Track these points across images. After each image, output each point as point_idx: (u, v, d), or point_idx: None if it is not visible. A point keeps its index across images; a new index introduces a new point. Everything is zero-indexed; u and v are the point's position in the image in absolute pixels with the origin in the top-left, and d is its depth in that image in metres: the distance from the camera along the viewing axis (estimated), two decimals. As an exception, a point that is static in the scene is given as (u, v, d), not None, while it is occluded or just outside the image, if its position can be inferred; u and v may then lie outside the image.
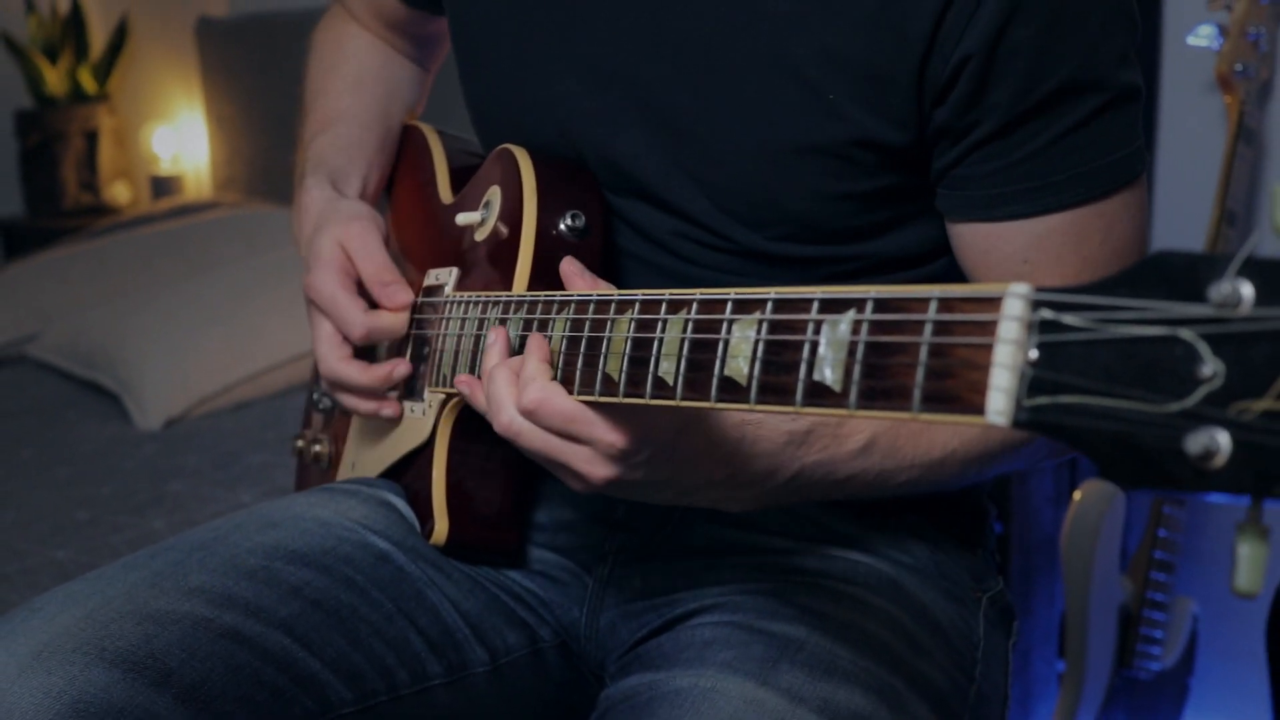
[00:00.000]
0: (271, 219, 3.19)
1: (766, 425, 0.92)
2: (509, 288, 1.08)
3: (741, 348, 0.72)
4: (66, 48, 4.18)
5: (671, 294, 0.80)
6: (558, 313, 0.91)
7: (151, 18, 4.17)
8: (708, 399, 0.74)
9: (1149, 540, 2.06)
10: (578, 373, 0.86)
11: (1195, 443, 0.51)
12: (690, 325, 0.77)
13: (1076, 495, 2.04)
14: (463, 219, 1.16)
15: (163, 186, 4.04)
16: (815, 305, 0.68)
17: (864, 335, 0.64)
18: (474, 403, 0.98)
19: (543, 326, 0.92)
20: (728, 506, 0.96)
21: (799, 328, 0.69)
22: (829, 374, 0.66)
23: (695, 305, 0.78)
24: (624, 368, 0.82)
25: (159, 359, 2.53)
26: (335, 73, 1.39)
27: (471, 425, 1.10)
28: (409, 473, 1.19)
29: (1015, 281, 0.59)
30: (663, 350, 0.79)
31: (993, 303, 0.58)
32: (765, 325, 0.71)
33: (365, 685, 1.06)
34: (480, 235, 1.14)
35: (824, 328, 0.67)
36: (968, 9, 0.93)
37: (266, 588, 1.05)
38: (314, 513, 1.14)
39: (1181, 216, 2.16)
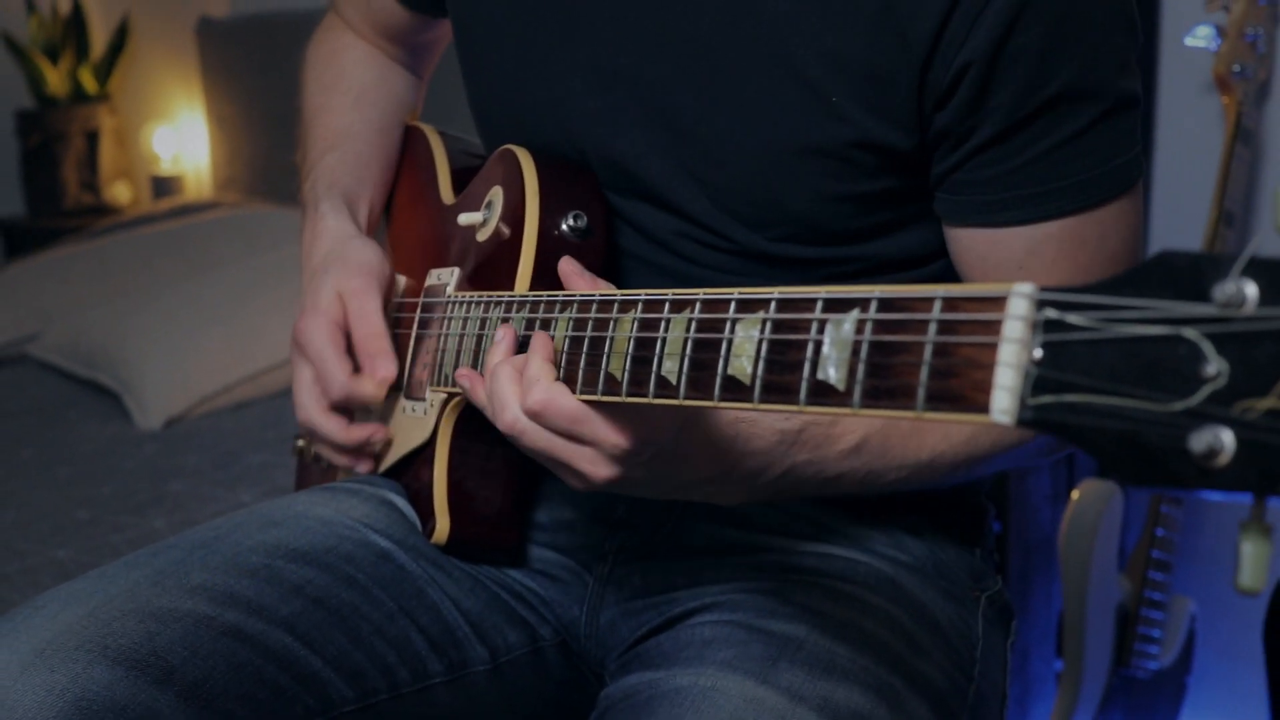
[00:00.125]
0: (272, 219, 3.19)
1: (760, 424, 0.93)
2: (511, 288, 1.08)
3: (745, 347, 0.72)
4: (67, 48, 4.18)
5: (675, 294, 0.80)
6: (560, 312, 0.91)
7: (152, 18, 4.17)
8: (711, 398, 0.74)
9: (1147, 539, 2.06)
10: (580, 372, 0.86)
11: (1199, 441, 0.51)
12: (694, 325, 0.77)
13: (1074, 495, 2.04)
14: (464, 219, 1.16)
15: (163, 186, 4.04)
16: (819, 305, 0.68)
17: (868, 334, 0.65)
18: (474, 398, 0.98)
19: (545, 326, 0.92)
20: (718, 500, 0.97)
21: (803, 327, 0.69)
22: (833, 373, 0.66)
23: (699, 305, 0.78)
24: (627, 367, 0.82)
25: (159, 359, 2.54)
26: (336, 88, 1.39)
27: (472, 424, 1.10)
28: (410, 472, 1.19)
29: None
30: (666, 350, 0.79)
31: (997, 302, 0.58)
32: (769, 325, 0.71)
33: (366, 683, 1.06)
34: (482, 236, 1.15)
35: (828, 327, 0.67)
36: (971, 14, 0.93)
37: (268, 586, 1.05)
38: (315, 511, 1.14)
39: (1179, 217, 2.17)
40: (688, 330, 0.77)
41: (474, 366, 1.05)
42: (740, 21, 1.02)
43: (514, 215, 1.10)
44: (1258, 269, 0.51)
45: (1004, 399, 0.57)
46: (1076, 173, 0.98)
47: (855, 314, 0.66)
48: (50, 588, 1.04)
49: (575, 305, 0.90)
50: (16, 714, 0.91)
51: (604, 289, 0.94)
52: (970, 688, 1.10)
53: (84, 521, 2.01)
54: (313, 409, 1.17)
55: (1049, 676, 2.14)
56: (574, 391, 0.86)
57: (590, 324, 0.87)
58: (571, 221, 1.09)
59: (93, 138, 4.14)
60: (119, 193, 4.23)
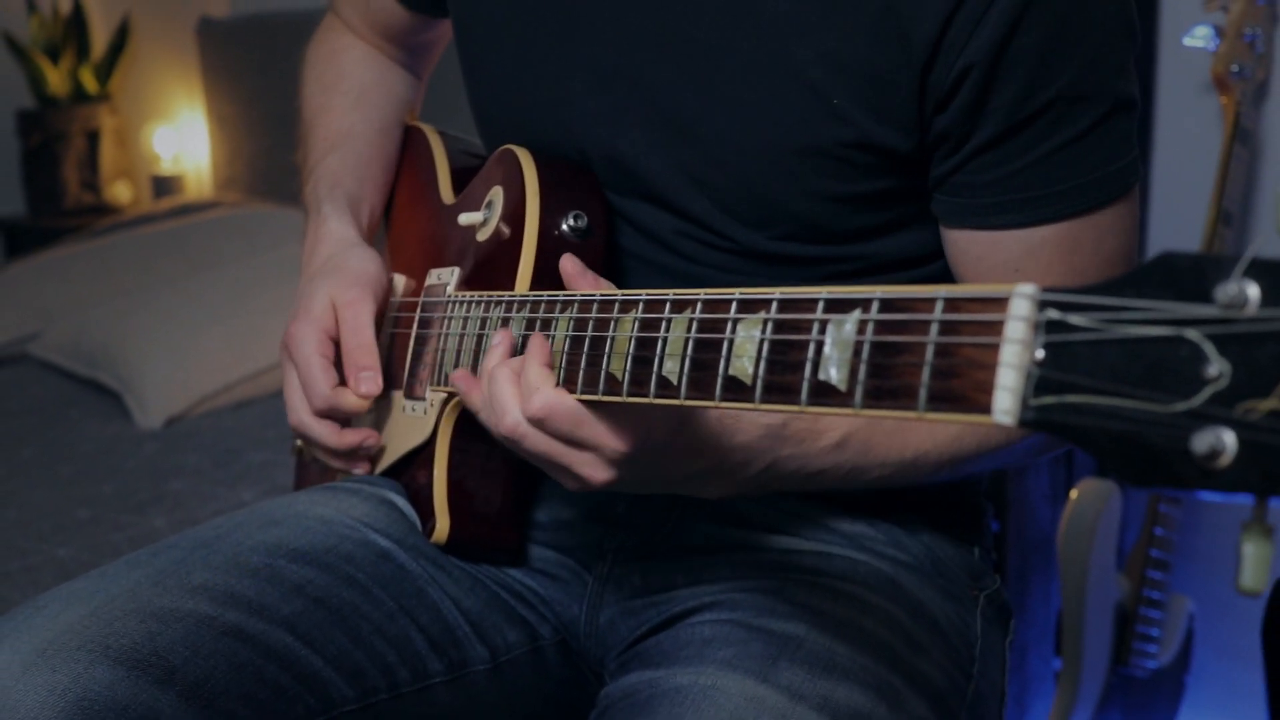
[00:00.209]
0: (272, 218, 3.19)
1: (744, 419, 0.94)
2: (511, 288, 1.08)
3: (746, 347, 0.72)
4: (68, 48, 4.18)
5: (676, 294, 0.80)
6: (561, 312, 0.91)
7: (153, 18, 4.17)
8: (712, 398, 0.74)
9: (1145, 539, 2.06)
10: (581, 372, 0.86)
11: (1201, 442, 0.51)
12: (695, 325, 0.77)
13: (1073, 494, 2.04)
14: (465, 219, 1.16)
15: (164, 186, 4.04)
16: (820, 305, 0.68)
17: (869, 335, 0.65)
18: (468, 401, 0.98)
19: (545, 326, 0.92)
20: (703, 493, 0.97)
21: (804, 327, 0.69)
22: (834, 373, 0.66)
23: (700, 305, 0.78)
24: (628, 367, 0.82)
25: (160, 358, 2.54)
26: (336, 89, 1.39)
27: (472, 424, 1.10)
28: (410, 471, 1.19)
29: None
30: (667, 350, 0.79)
31: (999, 303, 0.58)
32: (770, 325, 0.72)
33: (366, 683, 1.07)
34: (482, 235, 1.15)
35: (829, 327, 0.67)
36: (973, 17, 0.93)
37: (269, 586, 1.05)
38: (316, 511, 1.14)
39: (1178, 217, 2.17)
40: (689, 330, 0.77)
41: (474, 366, 1.05)
42: (741, 22, 1.02)
43: (514, 215, 1.10)
44: (1259, 270, 0.51)
45: (1006, 399, 0.57)
46: (1074, 176, 0.99)
47: (857, 314, 0.66)
48: (51, 586, 1.04)
49: (576, 305, 0.90)
50: (18, 714, 0.92)
51: (605, 288, 0.94)
52: (969, 686, 1.10)
53: (85, 520, 2.02)
54: (303, 413, 1.17)
55: (1047, 675, 2.14)
56: (574, 392, 0.86)
57: (591, 324, 0.87)
58: (572, 221, 1.09)
59: (93, 137, 4.14)
60: (119, 192, 4.23)
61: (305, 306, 1.18)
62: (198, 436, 2.37)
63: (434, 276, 1.22)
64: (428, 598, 1.12)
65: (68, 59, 4.19)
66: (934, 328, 0.61)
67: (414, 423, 1.17)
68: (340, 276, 1.19)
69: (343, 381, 1.16)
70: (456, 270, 1.18)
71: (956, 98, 0.96)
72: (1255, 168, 2.07)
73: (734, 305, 0.75)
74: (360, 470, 1.21)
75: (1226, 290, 0.52)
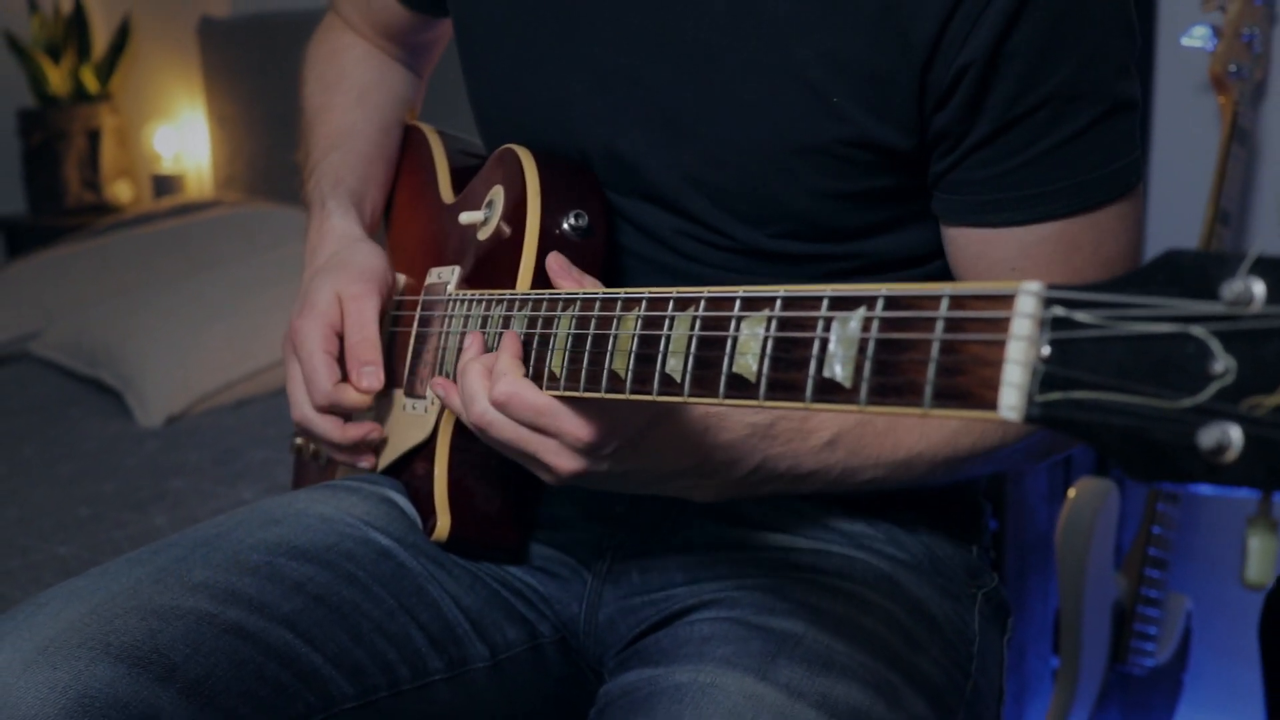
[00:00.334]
0: (272, 217, 3.19)
1: (729, 418, 0.94)
2: (512, 287, 1.08)
3: (750, 345, 0.72)
4: (69, 47, 4.18)
5: (679, 292, 0.80)
6: (563, 310, 0.91)
7: (154, 18, 4.17)
8: (716, 395, 0.74)
9: (1143, 537, 2.06)
10: (584, 370, 0.86)
11: (1208, 437, 0.51)
12: (698, 323, 0.77)
13: (1071, 493, 2.04)
14: (465, 218, 1.17)
15: (164, 185, 4.04)
16: (825, 303, 0.68)
17: (875, 332, 0.65)
18: (448, 403, 0.99)
19: (547, 324, 0.92)
20: (694, 495, 0.98)
21: (809, 325, 0.69)
22: (839, 371, 0.66)
23: (703, 303, 0.78)
24: (630, 365, 0.82)
25: (160, 356, 2.54)
26: (337, 88, 1.39)
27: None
28: (410, 469, 1.19)
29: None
30: (670, 347, 0.79)
31: (1005, 300, 0.58)
32: (774, 322, 0.72)
33: (367, 680, 1.07)
34: (483, 235, 1.15)
35: (834, 325, 0.67)
36: (972, 15, 0.93)
37: (269, 583, 1.05)
38: (316, 509, 1.15)
39: (1176, 216, 2.17)
40: (692, 328, 0.78)
41: None
42: (741, 21, 1.02)
43: (515, 214, 1.10)
44: (1265, 267, 0.52)
45: (1012, 396, 0.57)
46: (1072, 175, 0.98)
47: (862, 311, 0.66)
48: (52, 584, 1.04)
49: (578, 303, 0.90)
50: (19, 711, 0.92)
51: (589, 285, 0.94)
52: (967, 684, 1.10)
53: (86, 518, 2.02)
54: (306, 407, 1.17)
55: (1045, 673, 2.14)
56: (578, 389, 0.87)
57: (594, 322, 0.87)
58: (572, 220, 1.09)
59: (94, 137, 4.14)
60: (120, 191, 4.23)
61: (310, 301, 1.18)
62: (198, 435, 2.38)
63: (434, 275, 1.22)
64: (428, 595, 1.12)
65: (69, 58, 4.19)
66: (939, 325, 0.61)
67: (415, 421, 1.17)
68: (345, 271, 1.19)
69: (346, 377, 1.16)
70: (457, 269, 1.18)
71: (955, 96, 0.96)
72: (1253, 167, 2.08)
73: (738, 303, 0.75)
74: (365, 464, 1.21)
75: (1232, 287, 0.52)
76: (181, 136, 4.06)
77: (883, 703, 0.99)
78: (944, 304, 0.61)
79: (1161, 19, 2.15)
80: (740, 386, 0.73)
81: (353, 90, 1.38)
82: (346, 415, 1.18)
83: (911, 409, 0.61)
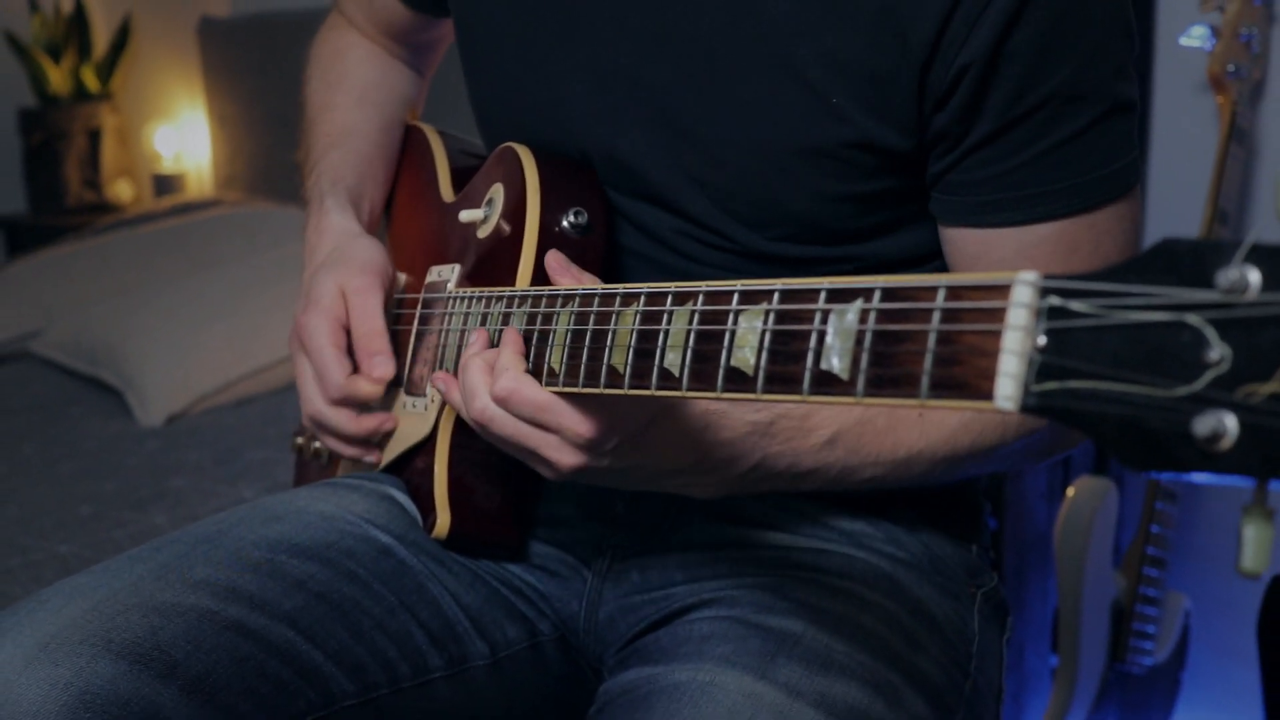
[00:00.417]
0: (273, 217, 3.19)
1: (729, 416, 0.94)
2: (512, 284, 1.08)
3: (748, 338, 0.73)
4: (70, 47, 4.19)
5: (677, 287, 0.81)
6: (562, 307, 0.91)
7: (154, 17, 4.18)
8: (714, 389, 0.75)
9: (1141, 536, 2.06)
10: (582, 366, 0.86)
11: (1203, 425, 0.51)
12: (696, 317, 0.77)
13: (1069, 492, 2.05)
14: (465, 216, 1.17)
15: (165, 185, 4.05)
16: (823, 295, 0.68)
17: (871, 324, 0.65)
18: (449, 398, 1.00)
19: (547, 321, 0.92)
20: (693, 492, 0.98)
21: (806, 318, 0.69)
22: (836, 363, 0.66)
23: (701, 297, 0.78)
24: (630, 360, 0.82)
25: (161, 355, 2.54)
26: (339, 87, 1.39)
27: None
28: (411, 467, 1.19)
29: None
30: (669, 342, 0.79)
31: (1001, 290, 0.59)
32: (772, 315, 0.72)
33: (367, 678, 1.07)
34: (483, 232, 1.15)
35: (831, 317, 0.67)
36: (971, 16, 0.93)
37: (270, 581, 1.05)
38: (317, 507, 1.15)
39: (1174, 215, 2.18)
40: (690, 322, 0.78)
41: None
42: (740, 22, 1.02)
43: (515, 212, 1.10)
44: (1260, 255, 0.52)
45: (1008, 385, 0.57)
46: (1070, 176, 0.98)
47: (859, 304, 0.66)
48: (53, 583, 1.04)
49: (577, 300, 0.90)
50: (21, 708, 0.92)
51: (588, 283, 0.95)
52: (966, 683, 1.10)
53: (86, 517, 2.02)
54: (319, 402, 1.18)
55: (1044, 672, 2.14)
56: (577, 385, 0.87)
57: (593, 318, 0.87)
58: (572, 218, 1.09)
59: (95, 136, 4.14)
60: (121, 191, 4.24)
61: (314, 297, 1.19)
62: (199, 434, 2.38)
63: (435, 274, 1.22)
64: (428, 593, 1.12)
65: (69, 58, 4.19)
66: (936, 315, 0.61)
67: (415, 419, 1.18)
68: (347, 266, 1.20)
69: (356, 370, 1.16)
70: (457, 267, 1.18)
71: (954, 96, 0.96)
72: (1251, 167, 2.08)
73: (736, 297, 0.75)
74: (371, 459, 1.21)
75: (1228, 275, 0.52)
76: (182, 136, 4.06)
77: (882, 702, 0.99)
78: (940, 295, 0.62)
79: (1160, 19, 2.16)
80: (738, 380, 0.73)
81: (354, 89, 1.39)
82: (358, 408, 1.19)
83: (908, 400, 0.62)
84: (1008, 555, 2.02)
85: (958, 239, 1.04)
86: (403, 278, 1.27)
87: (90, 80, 4.20)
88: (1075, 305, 0.56)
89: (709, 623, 1.05)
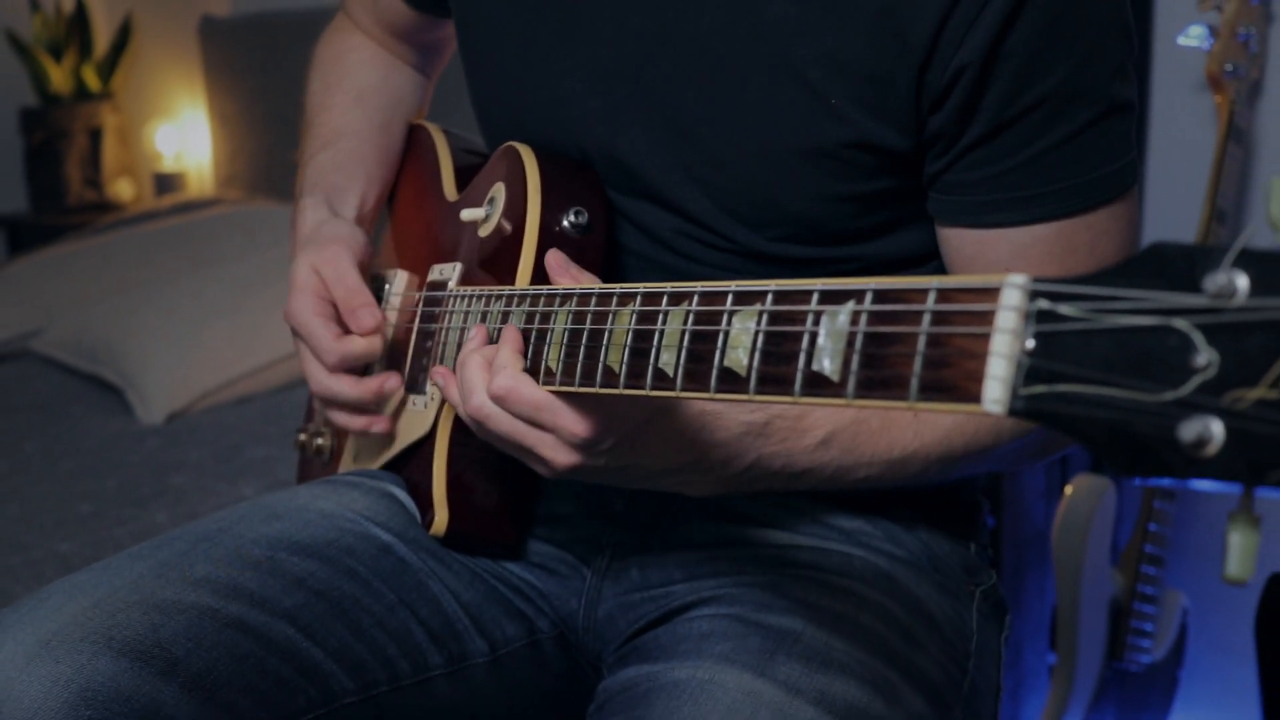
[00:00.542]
0: (273, 216, 3.19)
1: (725, 416, 0.94)
2: (512, 283, 1.08)
3: (741, 339, 0.73)
4: (71, 46, 4.19)
5: (673, 287, 0.81)
6: (560, 306, 0.92)
7: (155, 17, 4.18)
8: (707, 390, 0.75)
9: (1139, 534, 2.06)
10: (579, 365, 0.87)
11: (1189, 431, 0.51)
12: (691, 317, 0.78)
13: (1068, 490, 2.04)
14: (467, 215, 1.17)
15: (166, 183, 4.05)
16: (815, 296, 0.69)
17: (863, 326, 0.65)
18: (446, 394, 1.00)
19: (545, 320, 0.92)
20: (687, 491, 0.98)
21: (799, 319, 0.69)
22: (828, 364, 0.66)
23: (696, 298, 0.78)
24: (625, 359, 0.82)
25: (162, 354, 2.54)
26: (338, 88, 1.39)
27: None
28: (410, 465, 1.19)
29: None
30: (663, 342, 0.79)
31: (990, 293, 0.59)
32: (765, 317, 0.72)
33: (367, 675, 1.07)
34: (484, 231, 1.15)
35: (823, 319, 0.67)
36: (969, 16, 0.94)
37: (271, 578, 1.06)
38: (317, 504, 1.15)
39: (1172, 215, 2.18)
40: (685, 322, 0.78)
41: None
42: (740, 22, 1.02)
43: (516, 211, 1.11)
44: (1249, 260, 0.52)
45: (996, 389, 0.57)
46: (1067, 177, 0.98)
47: (850, 305, 0.66)
48: (53, 580, 1.04)
49: (575, 299, 0.90)
50: (22, 704, 0.92)
51: (587, 283, 0.95)
52: (965, 680, 1.11)
53: (87, 515, 2.02)
54: (321, 376, 1.18)
55: (1042, 670, 2.14)
56: (573, 384, 0.87)
57: (590, 317, 0.87)
58: (573, 218, 1.10)
59: (96, 135, 4.14)
60: (122, 189, 4.24)
61: (292, 284, 1.20)
62: (199, 432, 2.38)
63: (436, 272, 1.22)
64: (428, 591, 1.12)
65: (70, 57, 4.19)
66: (926, 318, 0.61)
67: (415, 416, 1.18)
68: (315, 245, 1.22)
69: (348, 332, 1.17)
70: (459, 266, 1.18)
71: (951, 96, 0.97)
72: (1249, 166, 2.08)
73: (730, 298, 0.75)
74: (380, 428, 1.20)
75: (1215, 280, 0.52)
76: (183, 135, 4.07)
77: (881, 700, 0.99)
78: (931, 297, 0.62)
79: (1158, 18, 2.16)
80: (731, 381, 0.73)
81: (352, 90, 1.39)
82: (359, 371, 1.19)
83: (898, 402, 0.62)
84: (1006, 553, 2.02)
85: (954, 239, 1.04)
86: (405, 277, 1.27)
87: (91, 79, 4.20)
88: (1064, 309, 0.56)
89: (708, 620, 1.05)
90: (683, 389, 0.77)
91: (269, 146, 3.59)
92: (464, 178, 1.29)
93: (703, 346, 0.76)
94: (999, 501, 1.99)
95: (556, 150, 1.14)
